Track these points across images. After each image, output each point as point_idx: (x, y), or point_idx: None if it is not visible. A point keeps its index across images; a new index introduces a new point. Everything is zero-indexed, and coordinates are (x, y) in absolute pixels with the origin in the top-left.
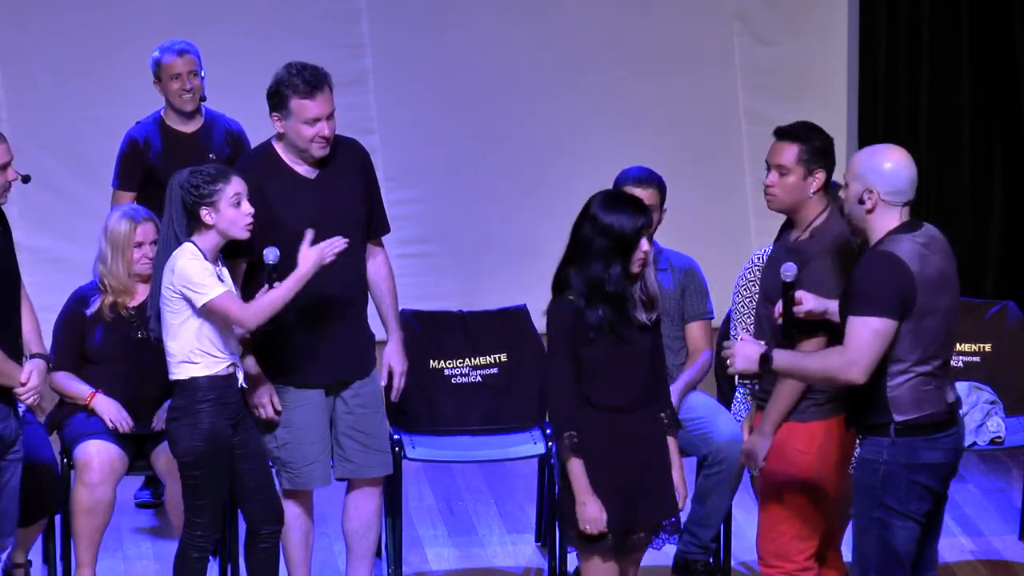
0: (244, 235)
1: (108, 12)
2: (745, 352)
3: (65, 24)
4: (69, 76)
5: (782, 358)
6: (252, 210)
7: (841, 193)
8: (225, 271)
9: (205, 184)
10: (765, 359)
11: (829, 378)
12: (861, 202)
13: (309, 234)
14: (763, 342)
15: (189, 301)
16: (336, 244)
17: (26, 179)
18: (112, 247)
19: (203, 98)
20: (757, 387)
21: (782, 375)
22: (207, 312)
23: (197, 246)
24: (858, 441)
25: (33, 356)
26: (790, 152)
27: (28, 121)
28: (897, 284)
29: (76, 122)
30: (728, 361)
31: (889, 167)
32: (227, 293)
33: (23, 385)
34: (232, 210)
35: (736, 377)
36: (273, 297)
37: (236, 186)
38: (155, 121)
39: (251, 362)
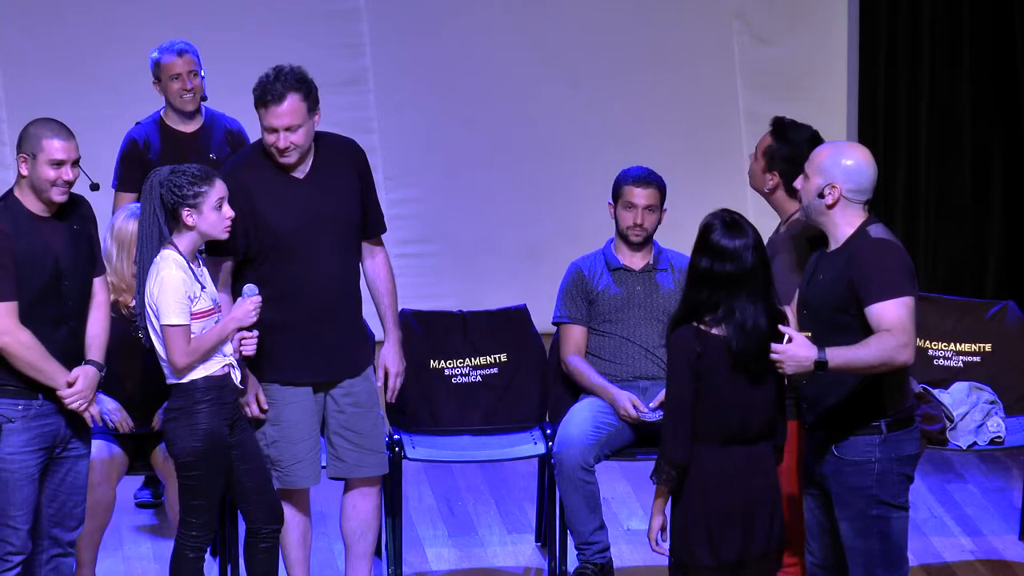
0: (223, 236)
1: (108, 13)
2: (796, 357)
3: (65, 24)
4: (69, 76)
5: (837, 357)
6: (232, 213)
7: (797, 184)
8: (205, 271)
9: (189, 185)
10: (820, 364)
11: (886, 363)
12: (821, 196)
13: (246, 290)
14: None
15: None
16: (256, 300)
17: (94, 187)
18: (119, 246)
19: (204, 98)
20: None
21: (840, 373)
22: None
23: (179, 250)
24: (833, 444)
25: (87, 362)
26: (763, 142)
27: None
28: (904, 263)
29: (76, 122)
30: (778, 366)
31: (852, 164)
32: (183, 329)
33: (68, 387)
34: (214, 213)
35: None
36: (200, 345)
37: (220, 190)
38: (155, 122)
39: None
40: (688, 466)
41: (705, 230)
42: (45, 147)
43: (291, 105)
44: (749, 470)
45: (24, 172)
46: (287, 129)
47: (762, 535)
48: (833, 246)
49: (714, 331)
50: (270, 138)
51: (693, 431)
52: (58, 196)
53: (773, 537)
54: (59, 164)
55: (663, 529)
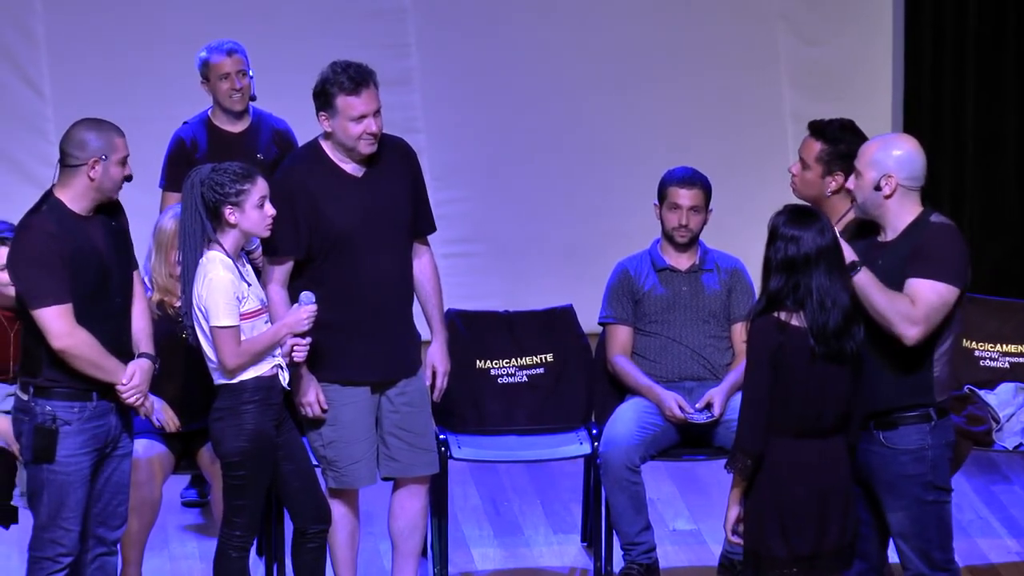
0: (265, 234)
1: (154, 13)
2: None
3: (112, 24)
4: (116, 77)
5: (864, 275)
6: (274, 211)
7: (850, 184)
8: (249, 268)
9: (231, 183)
10: (853, 265)
11: (888, 319)
12: (878, 188)
13: (303, 298)
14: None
15: None
16: (312, 309)
17: (128, 178)
18: (157, 246)
19: (253, 97)
20: None
21: (856, 287)
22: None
23: (224, 250)
24: (881, 434)
25: (140, 355)
26: (813, 149)
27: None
28: (965, 256)
29: (123, 122)
30: None
31: (903, 154)
32: (232, 330)
33: (125, 384)
34: (257, 212)
35: None
36: (251, 347)
37: (261, 188)
38: (202, 121)
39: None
40: (763, 456)
41: (774, 227)
42: (117, 146)
43: (374, 90)
44: (822, 464)
45: (94, 176)
46: (376, 114)
47: (836, 529)
48: (891, 235)
49: (794, 322)
50: (358, 127)
51: (768, 422)
52: (117, 192)
53: (847, 531)
54: (125, 160)
55: (739, 520)
